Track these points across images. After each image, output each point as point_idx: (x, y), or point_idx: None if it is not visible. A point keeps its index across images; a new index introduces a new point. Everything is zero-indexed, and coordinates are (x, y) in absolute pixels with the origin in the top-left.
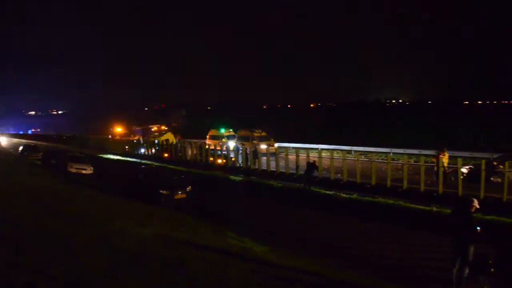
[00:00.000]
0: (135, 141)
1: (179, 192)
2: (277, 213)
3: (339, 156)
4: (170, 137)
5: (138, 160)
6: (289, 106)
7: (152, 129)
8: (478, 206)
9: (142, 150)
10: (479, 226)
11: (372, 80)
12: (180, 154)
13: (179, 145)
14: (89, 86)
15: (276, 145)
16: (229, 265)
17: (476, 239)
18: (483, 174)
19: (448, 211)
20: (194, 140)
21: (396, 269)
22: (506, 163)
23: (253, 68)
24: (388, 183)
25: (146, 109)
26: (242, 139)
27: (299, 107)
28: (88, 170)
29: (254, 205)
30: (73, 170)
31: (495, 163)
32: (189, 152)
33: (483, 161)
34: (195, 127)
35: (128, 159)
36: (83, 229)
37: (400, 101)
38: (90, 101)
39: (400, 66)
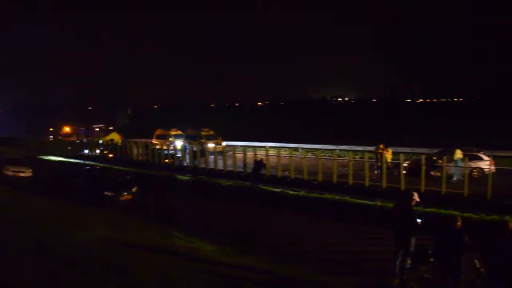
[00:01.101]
0: (77, 141)
1: (125, 193)
2: (225, 212)
3: (286, 154)
4: (115, 136)
5: (82, 161)
6: (236, 104)
7: (96, 129)
8: (418, 199)
9: (86, 151)
10: (419, 219)
11: (318, 78)
12: (125, 154)
13: (124, 145)
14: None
15: (223, 143)
16: (176, 266)
17: (417, 231)
18: (423, 169)
19: (391, 205)
20: (141, 140)
21: (343, 262)
22: (444, 157)
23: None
24: (334, 179)
25: (90, 108)
26: (189, 138)
27: (247, 106)
28: (27, 173)
29: (202, 205)
30: (10, 173)
31: (434, 158)
32: (135, 152)
33: (423, 156)
34: (141, 127)
35: (71, 160)
36: (20, 235)
37: (346, 99)
38: (29, 99)
39: (347, 65)
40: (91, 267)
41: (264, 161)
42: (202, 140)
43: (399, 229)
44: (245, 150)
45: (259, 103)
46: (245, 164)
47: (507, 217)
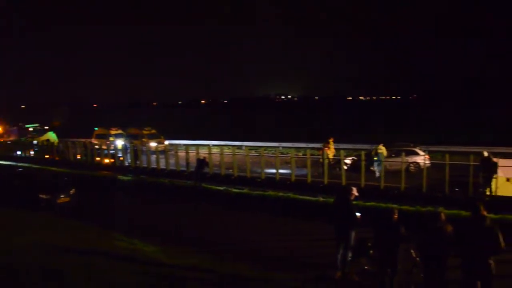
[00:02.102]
0: (9, 142)
1: (62, 196)
2: (168, 212)
3: (229, 152)
4: (51, 136)
5: (14, 163)
6: (180, 102)
7: (30, 129)
8: (357, 194)
9: (19, 152)
10: (359, 213)
11: (262, 77)
12: (63, 155)
13: (61, 145)
14: None
15: (166, 142)
16: (117, 269)
17: (357, 225)
18: (363, 164)
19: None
20: (79, 140)
21: (287, 258)
22: (373, 153)
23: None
24: (277, 176)
25: (23, 106)
26: (131, 137)
27: (191, 104)
28: None
29: (144, 205)
30: None
31: (373, 154)
32: (73, 153)
33: (363, 152)
34: (80, 126)
35: (2, 162)
36: None
37: (289, 96)
38: None
39: (291, 64)
40: (26, 273)
41: (207, 160)
42: (144, 139)
43: (339, 223)
44: (188, 149)
45: (202, 101)
46: (187, 163)
47: (441, 208)
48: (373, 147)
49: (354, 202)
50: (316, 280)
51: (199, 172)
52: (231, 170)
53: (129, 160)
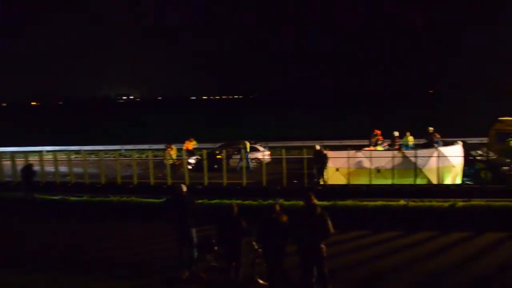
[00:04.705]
0: None
1: None
2: None
3: (65, 158)
4: None
5: None
6: (4, 104)
7: None
8: (185, 189)
9: None
10: (200, 210)
11: (102, 77)
12: None
13: None
14: None
15: None
16: None
17: (197, 222)
18: (205, 163)
19: None
20: None
21: (136, 264)
22: (224, 151)
23: None
24: (118, 180)
25: None
26: None
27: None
28: None
29: None
30: None
31: (217, 152)
32: None
33: (204, 151)
34: None
35: None
36: None
37: (132, 97)
38: None
39: (133, 64)
40: None
41: (35, 167)
42: None
43: (178, 222)
44: (13, 157)
45: (33, 103)
46: (14, 173)
47: (281, 200)
48: (217, 146)
49: (199, 201)
50: (166, 283)
51: (27, 181)
52: (68, 177)
53: None
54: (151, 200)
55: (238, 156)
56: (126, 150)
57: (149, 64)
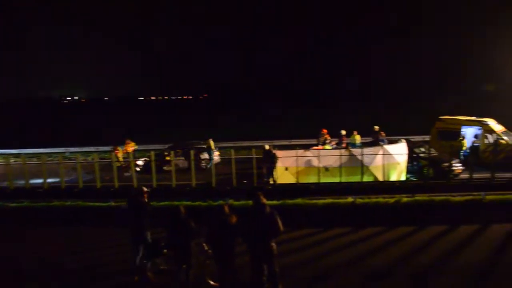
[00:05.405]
0: None
1: None
2: None
3: (3, 161)
4: None
5: None
6: None
7: None
8: (146, 191)
9: None
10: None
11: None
12: None
13: None
14: None
15: None
16: None
17: (149, 225)
18: (153, 164)
19: (125, 203)
20: None
21: (85, 269)
22: (172, 152)
23: None
24: (63, 184)
25: None
26: None
27: None
28: None
29: None
30: None
31: (165, 153)
32: None
33: (152, 152)
34: None
35: None
36: None
37: (76, 98)
38: None
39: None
40: None
41: None
42: None
43: (135, 225)
44: None
45: None
46: None
47: (231, 200)
48: (166, 147)
49: (148, 203)
50: None
51: None
52: (7, 183)
53: None
54: (98, 203)
55: (185, 157)
56: (71, 152)
57: (95, 64)
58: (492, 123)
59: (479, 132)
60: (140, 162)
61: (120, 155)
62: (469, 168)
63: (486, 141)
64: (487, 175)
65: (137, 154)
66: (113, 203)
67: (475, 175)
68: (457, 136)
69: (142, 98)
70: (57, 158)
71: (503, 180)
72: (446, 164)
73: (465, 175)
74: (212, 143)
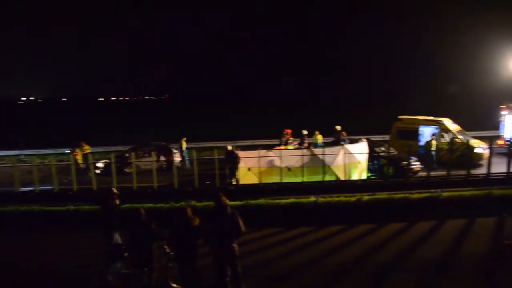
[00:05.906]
0: None
1: None
2: None
3: None
4: None
5: None
6: None
7: None
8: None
9: None
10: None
11: None
12: None
13: None
14: None
15: None
16: None
17: (119, 227)
18: (113, 166)
19: (86, 207)
20: None
21: (50, 277)
22: (133, 153)
23: None
24: (16, 188)
25: None
26: None
27: None
28: None
29: None
30: None
31: (127, 155)
32: None
33: (113, 154)
34: None
35: None
36: None
37: (32, 98)
38: None
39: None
40: None
41: None
42: None
43: (106, 228)
44: None
45: None
46: None
47: (193, 202)
48: (127, 148)
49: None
50: None
51: None
52: None
53: None
54: (55, 208)
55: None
56: (26, 155)
57: (53, 64)
58: (448, 122)
59: (436, 131)
60: (100, 164)
61: (79, 157)
62: (428, 166)
63: (442, 140)
64: (443, 172)
65: (97, 156)
66: (71, 207)
67: (432, 173)
68: (415, 135)
69: (103, 99)
70: (11, 161)
71: (458, 177)
72: (405, 162)
73: (423, 173)
74: (184, 143)
